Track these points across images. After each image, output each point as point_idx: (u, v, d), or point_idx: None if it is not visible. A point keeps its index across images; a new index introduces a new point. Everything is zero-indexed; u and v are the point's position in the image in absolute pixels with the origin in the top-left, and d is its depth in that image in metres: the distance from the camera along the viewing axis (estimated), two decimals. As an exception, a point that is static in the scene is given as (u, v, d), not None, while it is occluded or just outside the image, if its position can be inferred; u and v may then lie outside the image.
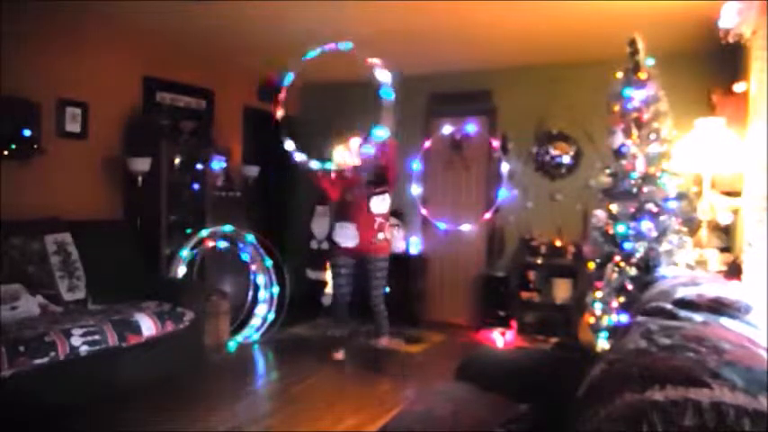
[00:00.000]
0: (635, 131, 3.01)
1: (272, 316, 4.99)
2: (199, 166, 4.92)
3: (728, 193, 3.43)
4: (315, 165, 3.82)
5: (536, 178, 5.42)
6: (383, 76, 3.38)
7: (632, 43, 3.07)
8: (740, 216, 3.34)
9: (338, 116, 5.92)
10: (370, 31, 4.46)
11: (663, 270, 2.79)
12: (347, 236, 4.25)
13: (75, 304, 3.79)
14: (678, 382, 0.95)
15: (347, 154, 4.29)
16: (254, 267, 5.04)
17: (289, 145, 3.72)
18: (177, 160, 4.79)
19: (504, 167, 4.62)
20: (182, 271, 4.50)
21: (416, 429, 2.01)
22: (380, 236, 4.29)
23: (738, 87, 3.51)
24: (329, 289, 5.87)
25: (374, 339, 4.53)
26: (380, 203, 4.28)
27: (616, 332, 2.81)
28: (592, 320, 3.17)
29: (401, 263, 5.40)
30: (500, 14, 3.95)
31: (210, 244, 4.75)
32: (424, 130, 5.69)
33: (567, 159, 5.31)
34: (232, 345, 4.68)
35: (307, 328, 5.47)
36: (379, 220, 4.28)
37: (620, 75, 3.12)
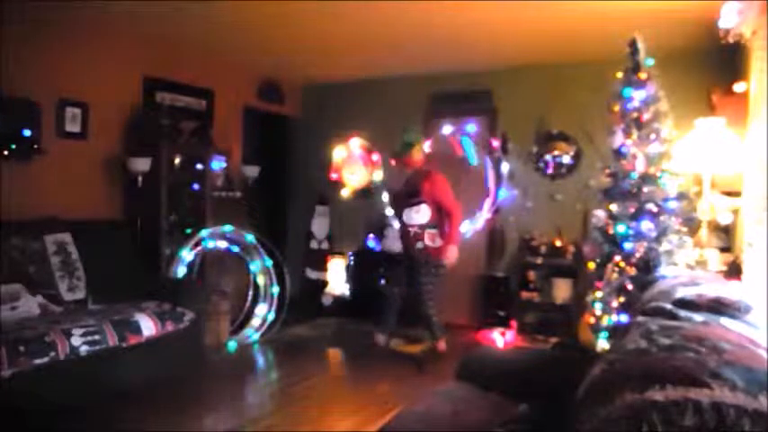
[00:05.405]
0: (635, 131, 3.01)
1: (272, 316, 4.99)
2: (199, 166, 4.91)
3: (728, 193, 3.43)
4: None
5: (536, 178, 5.41)
6: None
7: (632, 43, 3.07)
8: (740, 216, 3.34)
9: (339, 116, 5.93)
10: (370, 31, 4.47)
11: (663, 270, 2.79)
12: (392, 238, 4.46)
13: (76, 304, 3.79)
14: (678, 382, 0.95)
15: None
16: (253, 267, 5.04)
17: None
18: (177, 160, 4.78)
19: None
20: (182, 271, 4.50)
21: (416, 429, 2.01)
22: (419, 245, 4.37)
23: (738, 87, 3.51)
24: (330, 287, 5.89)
25: (431, 343, 4.56)
26: (412, 215, 4.36)
27: (616, 332, 2.82)
28: (592, 320, 3.17)
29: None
30: (500, 14, 3.95)
31: (211, 244, 4.75)
32: (424, 130, 5.68)
33: (567, 159, 5.31)
34: (232, 345, 4.67)
35: (307, 328, 5.47)
36: (413, 230, 4.37)
37: (620, 75, 3.12)
